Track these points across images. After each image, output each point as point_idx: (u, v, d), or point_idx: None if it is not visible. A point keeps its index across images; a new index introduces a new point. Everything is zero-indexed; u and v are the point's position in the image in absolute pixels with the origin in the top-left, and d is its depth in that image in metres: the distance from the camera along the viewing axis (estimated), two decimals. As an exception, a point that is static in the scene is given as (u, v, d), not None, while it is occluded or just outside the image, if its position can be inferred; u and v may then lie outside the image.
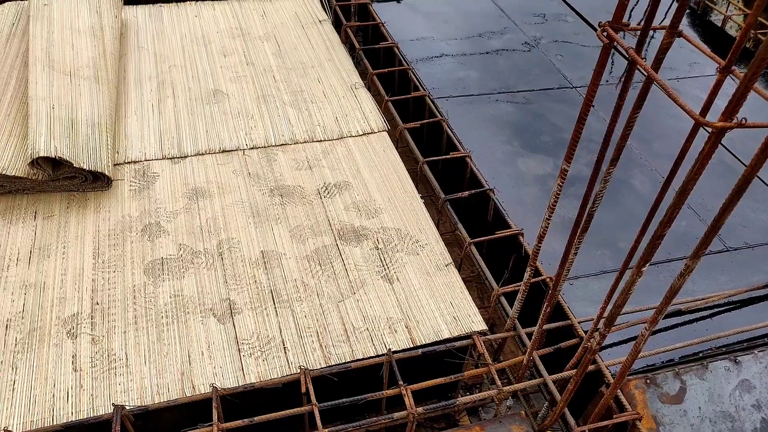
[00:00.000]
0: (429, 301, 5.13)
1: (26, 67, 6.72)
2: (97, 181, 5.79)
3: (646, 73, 2.52)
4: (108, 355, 4.58)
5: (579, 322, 4.94)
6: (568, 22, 9.26)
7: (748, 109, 2.18)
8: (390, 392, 4.38)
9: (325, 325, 4.89)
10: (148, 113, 6.81)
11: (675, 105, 2.23)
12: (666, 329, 5.04)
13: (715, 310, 5.25)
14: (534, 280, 4.98)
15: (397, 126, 6.90)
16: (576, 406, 4.76)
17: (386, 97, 7.24)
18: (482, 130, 7.00)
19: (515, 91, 7.67)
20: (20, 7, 7.98)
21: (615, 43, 2.63)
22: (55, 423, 4.17)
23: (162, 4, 8.72)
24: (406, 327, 4.92)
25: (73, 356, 4.56)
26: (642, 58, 2.54)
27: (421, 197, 6.10)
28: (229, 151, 6.44)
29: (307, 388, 4.32)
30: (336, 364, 4.61)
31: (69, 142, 5.67)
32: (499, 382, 4.47)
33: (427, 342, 4.83)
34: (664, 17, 8.48)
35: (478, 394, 4.58)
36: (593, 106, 2.88)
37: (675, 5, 2.42)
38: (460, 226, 5.84)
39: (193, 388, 4.43)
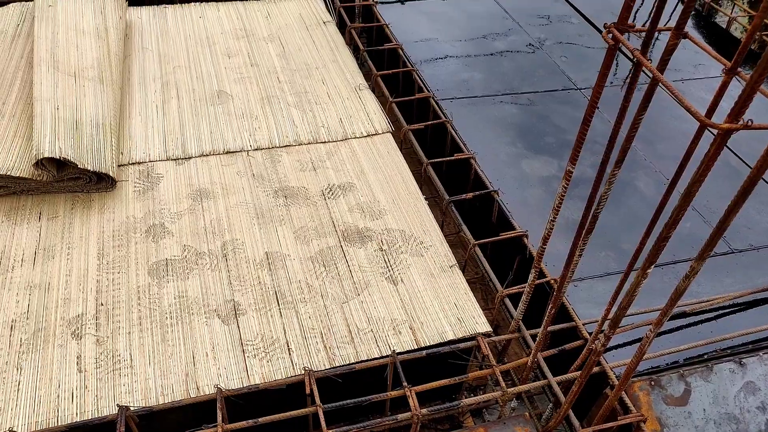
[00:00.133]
0: (433, 302, 5.13)
1: (31, 68, 6.74)
2: (101, 182, 5.80)
3: (651, 75, 2.52)
4: (112, 356, 4.59)
5: (583, 324, 4.93)
6: (573, 23, 9.25)
7: (753, 111, 2.17)
8: (394, 393, 4.38)
9: (329, 326, 4.89)
10: (153, 114, 6.82)
11: (680, 106, 2.23)
12: (671, 331, 5.03)
13: (720, 311, 5.24)
14: (538, 281, 4.97)
15: (402, 127, 6.90)
16: (580, 407, 4.76)
17: (390, 99, 7.24)
18: (486, 132, 7.00)
19: (519, 93, 7.67)
20: (25, 8, 8.01)
21: (620, 45, 2.63)
22: (59, 423, 4.17)
23: (166, 5, 8.74)
24: (411, 328, 4.92)
25: (77, 357, 4.57)
26: (648, 60, 2.54)
27: (426, 199, 6.10)
28: (234, 152, 6.44)
29: (311, 389, 4.32)
30: (340, 365, 4.61)
31: (73, 143, 5.68)
32: (503, 384, 4.46)
33: (432, 343, 4.83)
34: (669, 18, 8.47)
35: (483, 396, 4.58)
36: (598, 107, 2.88)
37: (680, 7, 2.42)
38: (464, 227, 5.84)
39: (198, 389, 4.43)
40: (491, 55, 8.37)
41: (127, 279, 5.13)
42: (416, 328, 4.92)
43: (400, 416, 4.25)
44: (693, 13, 9.67)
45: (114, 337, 4.71)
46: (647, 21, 2.68)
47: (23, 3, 8.11)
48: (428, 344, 4.82)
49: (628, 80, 2.82)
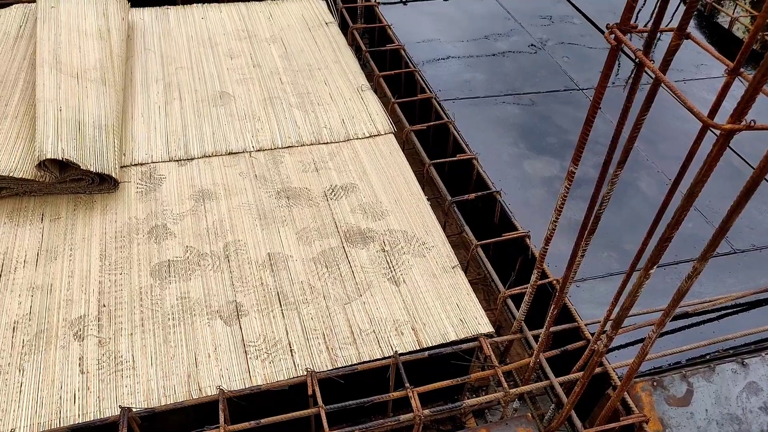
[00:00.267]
0: (435, 303, 5.13)
1: (34, 70, 6.75)
2: (103, 184, 5.81)
3: (653, 75, 2.51)
4: (115, 357, 4.59)
5: (586, 325, 4.93)
6: (575, 24, 9.24)
7: (756, 111, 2.17)
8: (396, 394, 4.38)
9: (331, 327, 4.90)
10: (155, 115, 6.82)
11: (682, 107, 2.23)
12: (673, 331, 5.02)
13: (722, 312, 5.23)
14: (541, 282, 4.97)
15: (404, 128, 6.90)
16: (582, 408, 4.75)
17: (393, 99, 7.24)
18: (489, 132, 6.99)
19: (521, 93, 7.67)
20: (28, 10, 8.02)
21: (622, 45, 2.63)
22: (62, 425, 4.18)
23: (169, 7, 8.75)
24: (413, 329, 4.92)
25: (79, 358, 4.57)
26: (650, 60, 2.53)
27: (428, 199, 6.10)
28: (236, 153, 6.45)
29: (313, 390, 4.32)
30: (342, 366, 4.61)
31: (76, 145, 5.69)
32: (505, 385, 4.46)
33: (434, 344, 4.83)
34: (671, 19, 8.47)
35: (485, 397, 4.57)
36: (600, 108, 2.88)
37: (682, 7, 2.42)
38: (466, 228, 5.84)
39: (200, 390, 4.43)
40: (493, 55, 8.37)
41: (130, 280, 5.13)
42: (418, 329, 4.92)
43: (403, 417, 4.25)
44: (695, 13, 9.66)
45: (116, 339, 4.71)
46: (649, 21, 2.68)
47: (26, 4, 8.13)
48: (430, 345, 4.82)
49: (630, 81, 2.82)
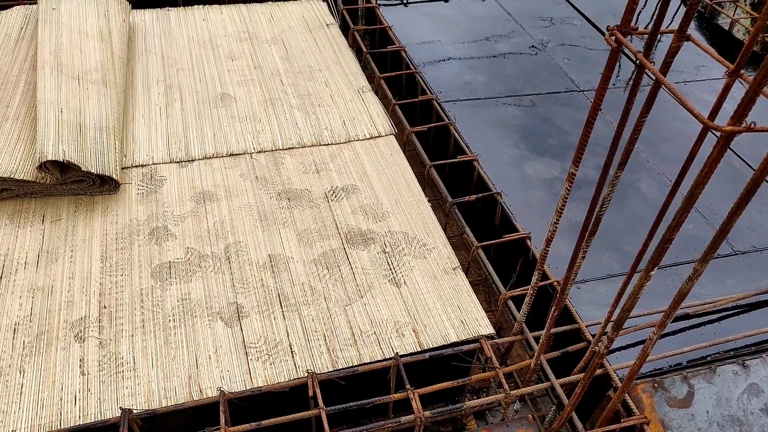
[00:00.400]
0: (436, 304, 5.13)
1: (35, 71, 6.76)
2: (104, 185, 5.81)
3: (654, 77, 2.52)
4: (115, 359, 4.59)
5: (586, 326, 4.93)
6: (575, 25, 9.25)
7: (756, 113, 2.17)
8: (397, 396, 4.38)
9: (332, 328, 4.90)
10: (156, 117, 6.83)
11: (682, 108, 2.23)
12: (674, 333, 5.02)
13: (723, 313, 5.23)
14: (541, 283, 4.97)
15: (405, 129, 6.90)
16: (583, 409, 4.75)
17: (393, 101, 7.25)
18: (489, 134, 7.00)
19: (522, 95, 7.67)
20: (29, 11, 8.03)
21: (623, 47, 2.63)
22: (62, 427, 4.18)
23: (169, 8, 8.75)
24: (414, 330, 4.92)
25: (80, 360, 4.57)
26: (650, 62, 2.54)
27: (429, 201, 6.10)
28: (237, 154, 6.45)
29: (314, 392, 4.32)
30: (343, 368, 4.61)
31: (77, 146, 5.69)
32: (506, 386, 4.46)
33: (435, 346, 4.83)
34: (672, 21, 8.47)
35: (486, 398, 4.57)
36: (601, 109, 2.88)
37: (683, 9, 2.42)
38: (467, 229, 5.84)
39: (201, 391, 4.43)
40: (494, 57, 8.37)
41: (130, 282, 5.13)
42: (419, 331, 4.92)
43: (403, 419, 4.25)
44: (695, 15, 9.66)
45: (117, 340, 4.71)
46: (650, 23, 2.68)
47: (27, 6, 8.14)
48: (431, 346, 4.82)
49: (631, 82, 2.82)
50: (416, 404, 4.24)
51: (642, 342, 4.86)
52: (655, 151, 6.89)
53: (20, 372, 4.48)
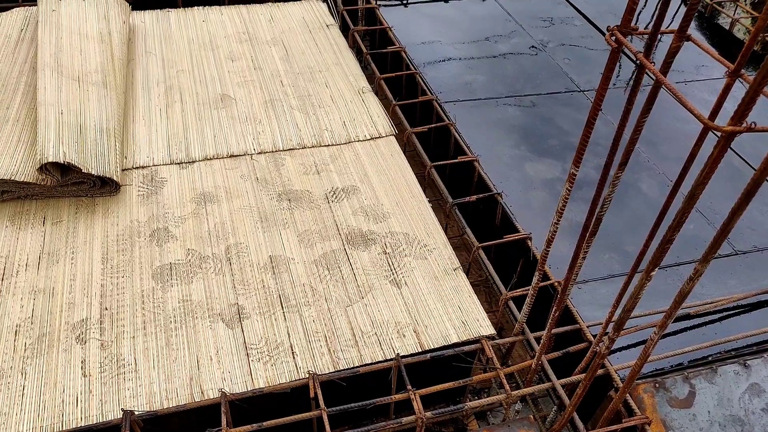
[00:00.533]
0: (437, 305, 5.13)
1: (35, 73, 6.76)
2: (105, 187, 5.81)
3: (654, 77, 2.52)
4: (117, 361, 4.59)
5: (587, 326, 4.93)
6: (576, 25, 9.25)
7: (756, 113, 2.17)
8: (398, 397, 4.38)
9: (333, 329, 4.90)
10: (156, 118, 6.83)
11: (682, 108, 2.23)
12: (675, 333, 5.02)
13: (725, 313, 5.23)
14: (542, 284, 4.97)
15: (405, 130, 6.90)
16: (585, 410, 4.75)
17: (394, 102, 7.25)
18: (490, 134, 7.00)
19: (522, 95, 7.67)
20: (29, 13, 8.03)
21: (623, 47, 2.63)
22: (64, 428, 4.18)
23: (170, 9, 8.76)
24: (415, 331, 4.92)
25: (82, 361, 4.57)
26: (650, 62, 2.54)
27: (429, 201, 6.10)
28: (237, 155, 6.45)
29: (315, 393, 4.32)
30: (344, 369, 4.61)
31: (78, 148, 5.69)
32: (507, 387, 4.46)
33: (436, 346, 4.83)
34: (672, 21, 8.47)
35: (487, 399, 4.57)
36: (601, 110, 2.88)
37: (683, 9, 2.42)
38: (468, 230, 5.84)
39: (202, 393, 4.43)
40: (494, 57, 8.37)
41: (131, 283, 5.14)
42: (420, 331, 4.92)
43: (405, 419, 4.25)
44: (695, 14, 9.66)
45: (118, 342, 4.71)
46: (650, 23, 2.68)
47: (27, 7, 8.15)
48: (432, 347, 4.82)
49: (631, 83, 2.83)
50: (417, 405, 4.24)
51: (643, 342, 4.87)
52: (656, 151, 6.89)
53: (22, 374, 4.48)
